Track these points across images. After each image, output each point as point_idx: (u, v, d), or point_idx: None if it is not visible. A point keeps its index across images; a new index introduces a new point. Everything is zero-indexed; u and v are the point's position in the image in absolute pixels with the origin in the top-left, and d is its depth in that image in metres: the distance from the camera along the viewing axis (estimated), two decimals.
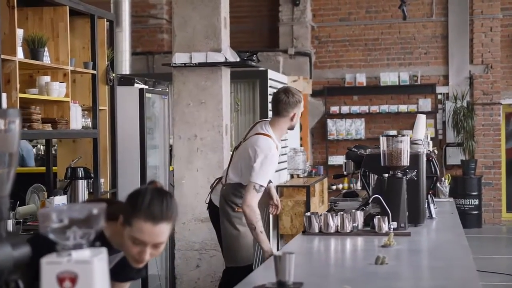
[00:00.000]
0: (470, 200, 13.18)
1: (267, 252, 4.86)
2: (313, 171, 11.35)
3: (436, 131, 13.60)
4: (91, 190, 5.96)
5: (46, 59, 5.31)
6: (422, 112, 13.38)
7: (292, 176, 10.85)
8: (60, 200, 5.44)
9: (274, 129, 5.03)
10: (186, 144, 6.50)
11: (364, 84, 13.85)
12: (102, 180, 6.17)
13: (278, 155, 5.06)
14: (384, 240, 4.17)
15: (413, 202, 4.93)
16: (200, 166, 6.51)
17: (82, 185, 5.78)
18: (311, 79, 13.89)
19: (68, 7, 5.53)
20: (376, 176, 5.01)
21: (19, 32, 5.00)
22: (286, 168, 10.45)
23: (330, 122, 13.87)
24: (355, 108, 13.81)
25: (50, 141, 6.03)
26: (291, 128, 5.13)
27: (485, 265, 9.75)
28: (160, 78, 9.29)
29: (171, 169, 7.09)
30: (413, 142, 5.62)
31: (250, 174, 4.86)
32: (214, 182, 5.30)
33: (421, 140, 5.65)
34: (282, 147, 10.59)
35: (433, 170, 5.57)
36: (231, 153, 5.40)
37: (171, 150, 6.95)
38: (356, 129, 13.81)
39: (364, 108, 13.77)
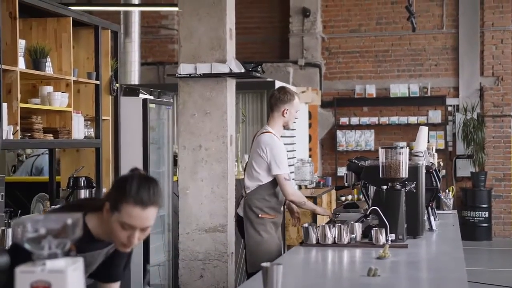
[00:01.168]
0: (480, 212, 13.13)
1: (320, 211, 5.74)
2: (321, 182, 11.35)
3: (446, 143, 13.56)
4: None
5: (49, 70, 5.36)
6: (432, 124, 13.42)
7: (300, 187, 10.86)
8: None
9: (271, 125, 5.55)
10: (191, 155, 6.51)
11: (374, 96, 13.85)
12: (104, 190, 6.20)
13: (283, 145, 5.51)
14: (379, 252, 4.17)
15: (412, 214, 4.93)
16: (205, 176, 6.52)
17: (84, 194, 5.82)
18: (321, 90, 13.91)
19: (71, 18, 5.59)
20: (375, 188, 5.02)
21: (21, 43, 5.06)
22: (293, 179, 10.46)
23: (339, 133, 13.87)
24: (365, 120, 13.80)
25: (53, 151, 6.08)
26: (286, 125, 5.57)
27: (495, 278, 9.70)
28: (170, 88, 9.32)
29: (175, 179, 7.12)
30: (414, 154, 5.63)
31: (272, 170, 5.33)
32: (239, 199, 5.73)
33: (422, 152, 5.65)
34: (290, 158, 10.60)
35: (434, 182, 5.56)
36: (243, 170, 5.72)
37: (175, 160, 6.97)
38: (365, 140, 13.80)
39: (374, 120, 13.76)
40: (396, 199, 4.78)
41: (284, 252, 9.32)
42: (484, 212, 13.15)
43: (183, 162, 6.50)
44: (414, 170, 5.00)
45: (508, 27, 13.55)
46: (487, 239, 13.16)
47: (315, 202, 9.60)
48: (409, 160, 5.46)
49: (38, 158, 8.66)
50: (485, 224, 13.18)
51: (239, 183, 8.22)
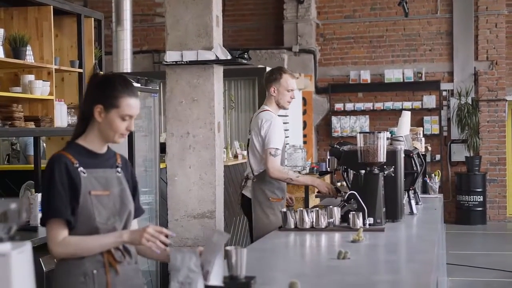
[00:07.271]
0: (475, 196, 13.16)
1: (315, 182, 5.72)
2: (315, 168, 11.35)
3: (440, 128, 13.58)
4: None
5: (30, 58, 5.38)
6: (427, 109, 13.45)
7: None
8: None
9: (268, 104, 5.72)
10: (179, 142, 6.52)
11: (369, 81, 13.86)
12: None
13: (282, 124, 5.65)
14: (352, 235, 4.21)
15: (391, 198, 4.97)
16: (193, 163, 6.53)
17: None
18: (315, 76, 13.92)
19: (52, 6, 5.60)
20: (353, 172, 5.05)
21: (0, 32, 5.08)
22: (286, 165, 10.47)
23: (334, 119, 13.89)
24: (360, 105, 13.82)
25: (38, 139, 6.10)
26: (279, 104, 5.69)
27: (489, 261, 9.73)
28: (161, 76, 9.32)
29: (161, 166, 7.16)
30: (394, 139, 5.67)
31: (264, 143, 5.48)
32: (242, 181, 5.87)
33: (403, 136, 5.69)
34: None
35: (414, 167, 5.59)
36: (246, 150, 5.91)
37: (162, 148, 7.00)
38: (360, 126, 13.82)
39: (369, 105, 13.78)
40: (374, 183, 4.81)
41: None
42: (479, 196, 13.18)
43: (171, 149, 6.52)
44: (392, 154, 5.02)
45: (502, 11, 13.53)
46: (482, 223, 13.20)
47: (306, 188, 9.62)
48: (390, 144, 5.51)
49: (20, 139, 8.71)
50: (480, 208, 13.22)
51: (228, 170, 8.25)
